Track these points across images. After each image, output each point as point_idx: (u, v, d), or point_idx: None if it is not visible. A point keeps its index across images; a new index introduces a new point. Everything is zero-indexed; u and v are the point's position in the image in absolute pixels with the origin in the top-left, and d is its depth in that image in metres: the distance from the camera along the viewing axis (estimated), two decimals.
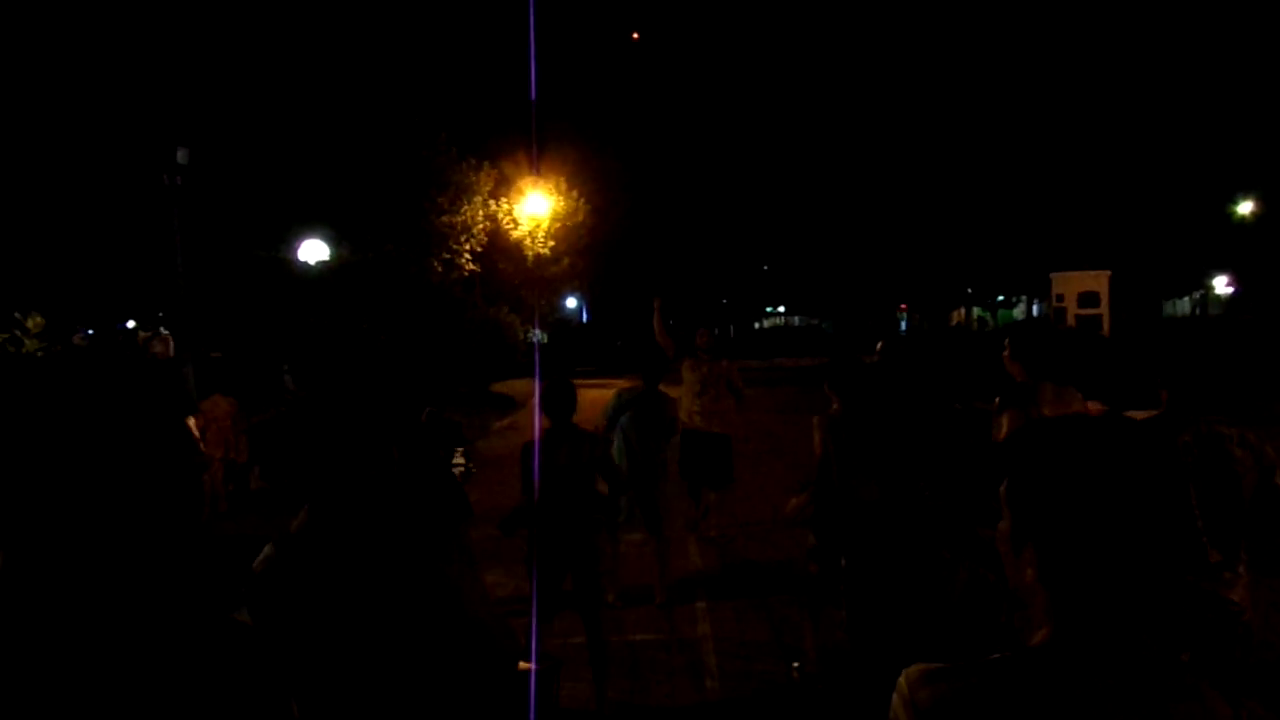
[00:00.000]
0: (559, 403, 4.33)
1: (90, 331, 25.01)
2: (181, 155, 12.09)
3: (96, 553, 1.00)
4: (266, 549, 1.70)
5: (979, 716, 0.98)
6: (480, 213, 22.36)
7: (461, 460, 3.63)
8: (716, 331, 9.52)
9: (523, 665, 2.15)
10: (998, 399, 3.63)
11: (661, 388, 6.24)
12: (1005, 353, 3.66)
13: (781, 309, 62.58)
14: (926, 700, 1.01)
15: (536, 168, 23.70)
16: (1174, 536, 0.99)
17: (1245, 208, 31.28)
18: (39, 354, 9.80)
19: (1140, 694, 0.96)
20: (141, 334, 25.88)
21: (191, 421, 7.08)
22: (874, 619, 2.55)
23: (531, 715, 1.91)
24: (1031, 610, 1.06)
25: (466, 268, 22.18)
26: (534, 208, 23.54)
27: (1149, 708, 0.95)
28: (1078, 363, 2.27)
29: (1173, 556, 0.99)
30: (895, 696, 1.04)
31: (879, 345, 7.11)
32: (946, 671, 1.02)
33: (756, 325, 60.89)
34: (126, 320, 29.73)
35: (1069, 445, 1.03)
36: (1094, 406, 2.20)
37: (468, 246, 21.99)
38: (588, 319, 43.43)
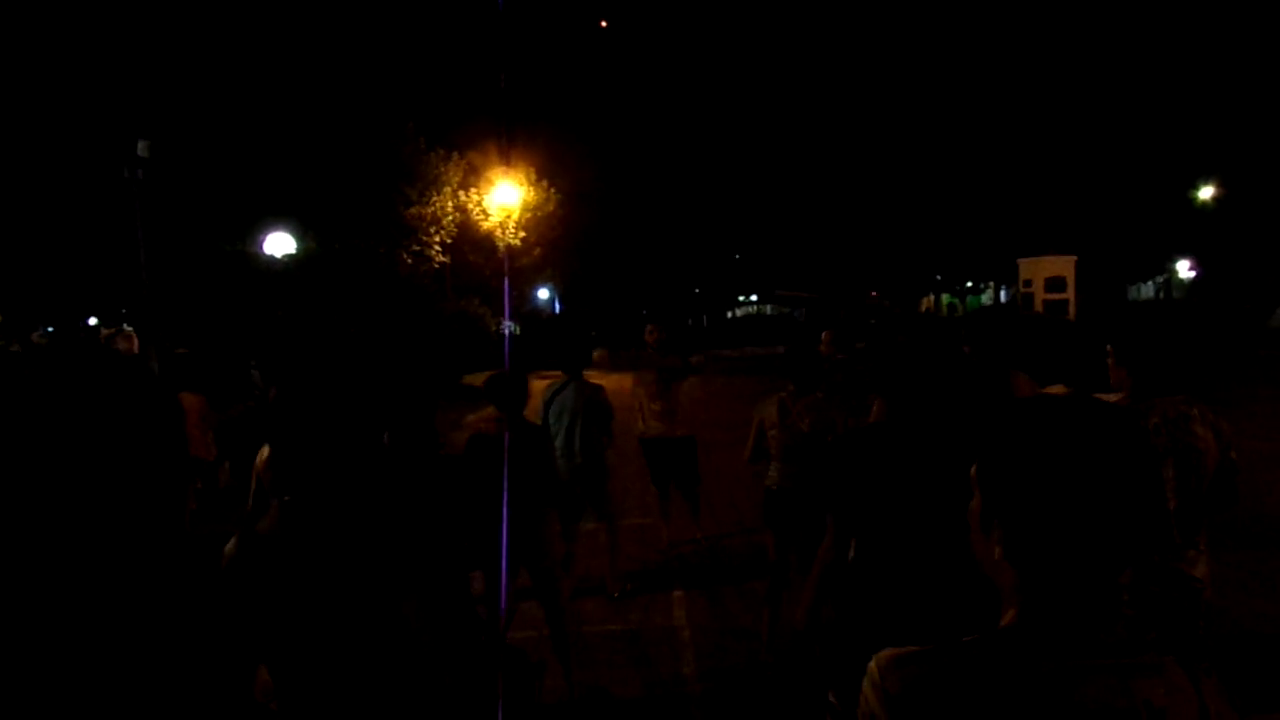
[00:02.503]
0: (507, 394, 4.19)
1: (50, 329, 24.48)
2: (142, 148, 11.87)
3: (77, 548, 0.98)
4: (229, 545, 1.67)
5: (949, 700, 0.98)
6: (449, 204, 22.17)
7: None
8: (691, 323, 9.31)
9: None
10: None
11: (598, 380, 6.09)
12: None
13: (754, 297, 62.81)
14: (896, 685, 1.01)
15: (506, 158, 23.52)
16: (1143, 517, 1.00)
17: (1206, 193, 31.86)
18: None
19: (1107, 672, 0.97)
20: (104, 331, 25.34)
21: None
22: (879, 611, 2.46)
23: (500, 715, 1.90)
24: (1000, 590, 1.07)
25: (436, 260, 22.00)
26: (504, 198, 23.36)
27: (1115, 685, 0.96)
28: (1027, 347, 2.30)
29: (1141, 536, 1.00)
30: (865, 681, 1.05)
31: (824, 335, 7.08)
32: (917, 655, 1.03)
33: (729, 314, 61.14)
34: (88, 317, 29.11)
35: (1042, 425, 1.03)
36: (1058, 390, 2.24)
37: (437, 238, 21.81)
38: (560, 309, 43.30)
